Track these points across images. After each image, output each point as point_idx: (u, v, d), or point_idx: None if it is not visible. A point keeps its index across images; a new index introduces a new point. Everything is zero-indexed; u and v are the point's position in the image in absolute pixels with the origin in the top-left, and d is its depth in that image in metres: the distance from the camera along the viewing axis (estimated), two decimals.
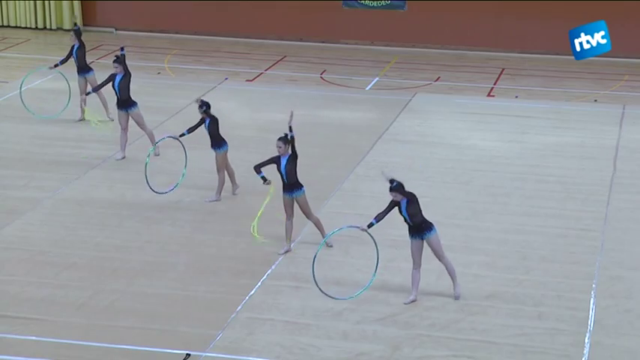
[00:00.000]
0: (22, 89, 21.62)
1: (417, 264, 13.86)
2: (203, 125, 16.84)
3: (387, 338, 13.01)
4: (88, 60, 21.45)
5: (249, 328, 13.21)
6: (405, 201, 13.64)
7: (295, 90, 23.87)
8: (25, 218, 16.45)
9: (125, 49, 19.16)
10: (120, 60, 18.71)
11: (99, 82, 19.82)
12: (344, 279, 14.48)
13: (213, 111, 17.17)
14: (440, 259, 13.91)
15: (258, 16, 28.25)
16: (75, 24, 21.23)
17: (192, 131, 16.85)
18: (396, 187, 13.57)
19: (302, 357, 12.61)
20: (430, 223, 13.78)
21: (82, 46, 20.90)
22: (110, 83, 18.82)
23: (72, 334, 12.98)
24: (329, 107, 22.55)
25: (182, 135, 16.91)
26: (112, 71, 18.84)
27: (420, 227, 13.73)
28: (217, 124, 16.91)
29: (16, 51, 27.10)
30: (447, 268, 13.97)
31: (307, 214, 15.44)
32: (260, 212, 15.46)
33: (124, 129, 18.95)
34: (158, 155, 18.84)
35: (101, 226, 16.20)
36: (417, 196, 13.73)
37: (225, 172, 17.23)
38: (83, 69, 20.90)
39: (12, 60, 26.20)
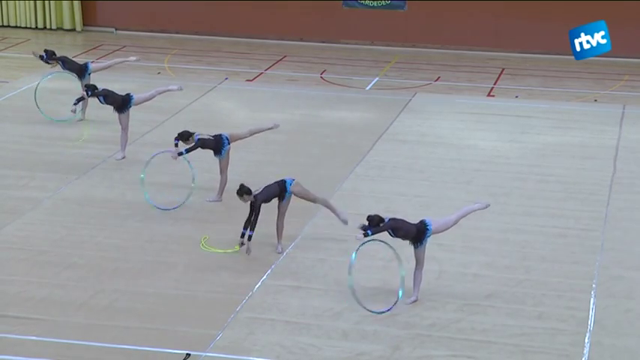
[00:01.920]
0: (26, 87, 21.65)
1: (420, 264, 13.86)
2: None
3: (387, 338, 13.01)
4: (86, 60, 21.48)
5: (249, 328, 13.21)
6: (389, 231, 13.68)
7: (295, 90, 23.87)
8: (25, 218, 16.45)
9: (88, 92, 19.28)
10: (94, 93, 18.92)
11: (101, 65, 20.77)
12: (344, 279, 14.46)
13: (211, 112, 17.19)
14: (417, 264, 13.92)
15: (258, 16, 28.25)
16: (41, 56, 21.15)
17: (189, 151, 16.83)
18: (372, 233, 13.59)
19: (302, 357, 12.61)
20: (423, 225, 13.75)
21: (65, 60, 20.95)
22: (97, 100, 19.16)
23: (72, 334, 12.98)
24: (329, 107, 22.54)
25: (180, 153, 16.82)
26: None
27: (417, 236, 13.75)
28: (208, 139, 16.88)
29: (16, 51, 27.09)
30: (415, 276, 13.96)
31: (312, 200, 15.41)
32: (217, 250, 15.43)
33: (125, 128, 18.97)
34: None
35: (101, 226, 16.20)
36: (412, 194, 13.72)
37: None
38: (81, 71, 20.91)
39: (12, 60, 26.19)
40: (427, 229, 13.73)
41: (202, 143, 16.83)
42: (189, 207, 16.94)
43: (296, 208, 15.74)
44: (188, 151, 16.71)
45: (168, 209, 16.81)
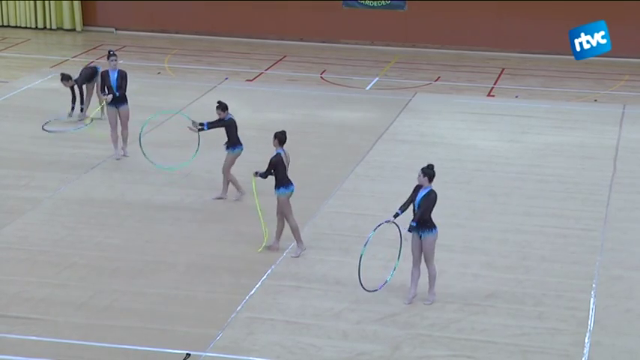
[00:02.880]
0: (26, 87, 21.61)
1: (416, 261, 13.85)
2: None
3: (387, 338, 13.01)
4: (89, 60, 21.49)
5: (249, 328, 13.21)
6: (425, 191, 13.59)
7: (295, 90, 23.87)
8: (25, 218, 16.45)
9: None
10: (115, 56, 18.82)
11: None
12: (344, 279, 14.48)
13: (211, 112, 17.22)
14: (426, 263, 13.83)
15: (258, 16, 28.25)
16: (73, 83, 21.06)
17: (211, 127, 16.87)
18: (427, 170, 13.61)
19: (302, 357, 12.61)
20: (433, 224, 13.73)
21: (78, 79, 20.80)
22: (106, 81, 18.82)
23: (72, 334, 12.98)
24: (329, 107, 22.54)
25: (201, 129, 16.87)
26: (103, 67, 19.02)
27: (422, 224, 13.71)
28: (235, 125, 16.91)
29: (16, 51, 27.10)
30: (429, 273, 13.86)
31: (287, 218, 15.18)
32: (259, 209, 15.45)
33: (115, 127, 18.84)
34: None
35: (101, 226, 16.20)
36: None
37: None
38: (93, 75, 20.86)
39: (12, 60, 26.20)
40: (430, 230, 13.66)
41: (230, 124, 16.83)
42: (189, 207, 16.94)
43: (296, 209, 15.71)
44: (210, 126, 16.76)
45: (173, 168, 17.21)
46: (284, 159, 15.05)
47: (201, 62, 26.37)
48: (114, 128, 18.89)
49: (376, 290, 13.90)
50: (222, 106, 16.84)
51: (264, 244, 15.36)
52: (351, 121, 21.57)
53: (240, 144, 17.00)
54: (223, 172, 17.10)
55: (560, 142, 20.33)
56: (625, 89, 24.37)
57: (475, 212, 16.86)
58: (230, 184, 17.15)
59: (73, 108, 20.89)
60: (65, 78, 20.73)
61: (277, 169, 15.02)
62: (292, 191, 15.18)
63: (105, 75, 18.70)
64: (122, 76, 18.70)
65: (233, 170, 17.17)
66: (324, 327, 13.26)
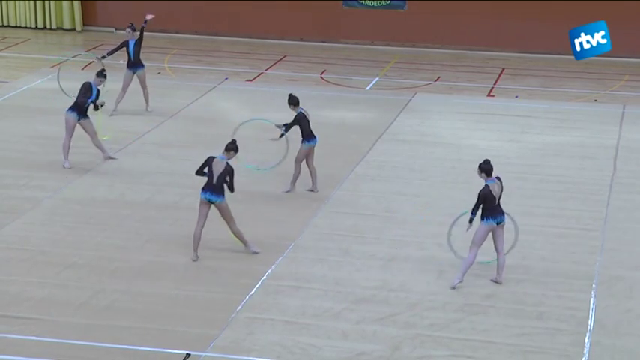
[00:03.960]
0: (26, 87, 21.61)
1: (473, 244, 14.33)
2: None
3: (387, 338, 13.01)
4: (89, 60, 21.51)
5: (249, 328, 13.21)
6: (486, 183, 14.25)
7: (295, 90, 23.78)
8: (25, 218, 16.45)
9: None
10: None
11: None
12: (344, 279, 14.48)
13: (211, 112, 17.20)
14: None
15: (258, 16, 28.25)
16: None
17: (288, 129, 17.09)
18: (482, 165, 14.36)
19: (302, 357, 12.61)
20: (484, 216, 14.20)
21: (138, 41, 21.25)
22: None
23: (72, 334, 12.98)
24: (329, 107, 22.54)
25: (282, 133, 17.13)
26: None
27: (484, 209, 14.22)
28: (306, 118, 17.06)
29: (16, 51, 27.09)
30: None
31: (228, 220, 15.27)
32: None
33: (70, 136, 18.45)
34: None
35: (101, 226, 16.20)
36: (411, 194, 13.80)
37: (306, 168, 17.52)
38: (135, 64, 21.01)
39: (12, 60, 26.20)
40: (481, 219, 14.13)
41: (300, 118, 17.01)
42: (189, 207, 16.93)
43: (296, 208, 15.75)
44: (287, 129, 16.98)
45: (266, 169, 17.50)
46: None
47: (201, 62, 26.37)
48: (69, 136, 18.41)
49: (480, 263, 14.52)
50: (292, 101, 17.03)
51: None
52: (351, 121, 21.57)
53: (314, 137, 17.19)
54: (295, 163, 17.25)
55: (559, 142, 20.34)
56: (625, 89, 24.37)
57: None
58: (311, 175, 17.42)
59: (108, 54, 21.47)
60: (131, 28, 21.75)
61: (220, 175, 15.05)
62: (209, 200, 15.03)
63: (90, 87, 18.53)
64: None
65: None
66: (324, 327, 13.26)
